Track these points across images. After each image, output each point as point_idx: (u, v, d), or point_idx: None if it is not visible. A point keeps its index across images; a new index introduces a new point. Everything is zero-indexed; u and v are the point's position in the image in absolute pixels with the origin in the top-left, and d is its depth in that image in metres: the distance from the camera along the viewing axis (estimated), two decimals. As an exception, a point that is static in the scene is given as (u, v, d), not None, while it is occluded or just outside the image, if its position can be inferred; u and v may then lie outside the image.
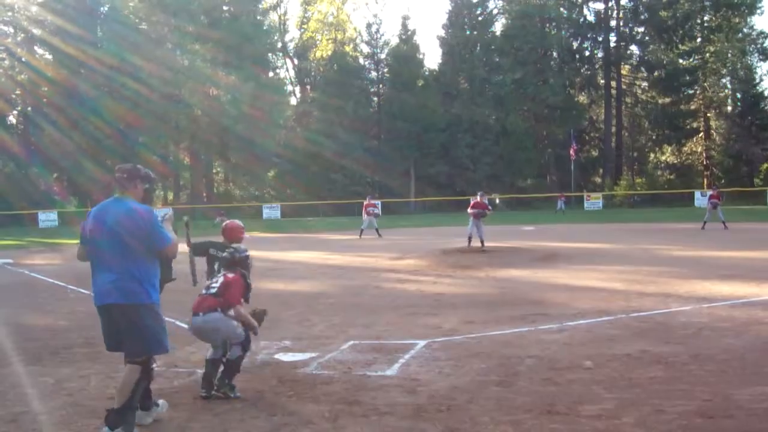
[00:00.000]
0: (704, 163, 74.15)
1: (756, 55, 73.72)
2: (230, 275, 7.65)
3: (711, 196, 34.20)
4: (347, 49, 79.63)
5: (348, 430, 6.16)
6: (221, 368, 7.42)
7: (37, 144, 64.92)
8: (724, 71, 73.80)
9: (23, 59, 67.52)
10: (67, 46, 60.83)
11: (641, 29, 78.76)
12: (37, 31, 67.47)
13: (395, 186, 70.97)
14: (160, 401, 6.68)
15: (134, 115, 61.96)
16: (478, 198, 25.57)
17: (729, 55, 70.91)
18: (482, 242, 24.15)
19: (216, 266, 8.84)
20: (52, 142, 60.90)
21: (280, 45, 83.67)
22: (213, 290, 7.46)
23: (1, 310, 14.08)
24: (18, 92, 68.79)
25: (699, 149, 75.64)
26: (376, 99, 78.15)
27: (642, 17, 77.12)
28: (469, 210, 24.96)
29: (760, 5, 72.24)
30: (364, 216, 35.47)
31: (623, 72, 79.94)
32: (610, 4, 78.04)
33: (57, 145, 59.74)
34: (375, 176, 73.35)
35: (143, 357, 6.10)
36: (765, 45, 72.96)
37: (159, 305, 6.23)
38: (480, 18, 77.25)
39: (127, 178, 6.28)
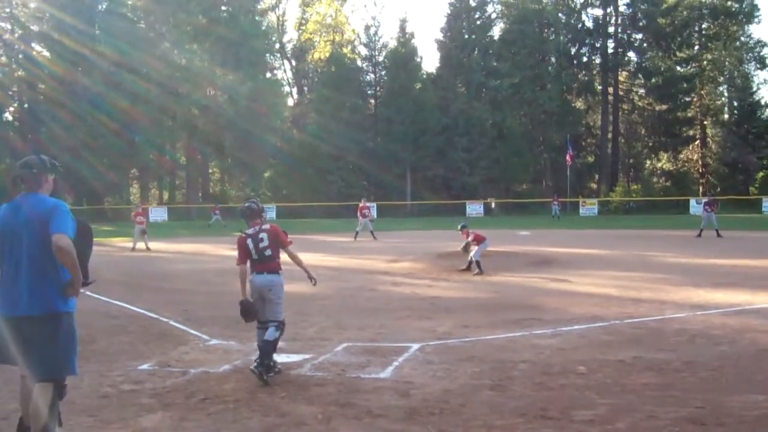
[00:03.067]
0: (700, 170, 74.21)
1: (753, 63, 73.80)
2: (268, 227, 8.13)
3: (706, 203, 34.16)
4: (345, 51, 79.48)
5: (341, 432, 6.17)
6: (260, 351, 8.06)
7: (34, 140, 64.78)
8: (721, 79, 73.92)
9: (21, 55, 67.44)
10: (65, 42, 60.73)
11: (639, 36, 78.69)
12: (35, 27, 67.46)
13: (391, 188, 70.94)
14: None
15: (132, 112, 61.85)
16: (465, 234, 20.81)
17: (726, 63, 71.00)
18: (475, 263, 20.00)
19: (251, 243, 8.27)
20: (50, 137, 60.75)
21: (278, 46, 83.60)
22: (268, 253, 8.11)
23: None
24: (16, 88, 68.72)
25: (695, 157, 75.68)
26: (373, 101, 78.09)
27: (640, 24, 77.07)
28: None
29: (757, 14, 72.25)
30: (359, 218, 35.57)
31: (620, 78, 79.86)
32: (608, 11, 77.98)
33: (55, 141, 59.58)
34: (371, 178, 73.33)
35: (56, 376, 5.47)
36: (762, 53, 73.02)
37: (74, 315, 5.61)
38: (478, 22, 77.14)
39: (37, 173, 5.62)
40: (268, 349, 7.95)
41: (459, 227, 21.23)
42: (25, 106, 69.02)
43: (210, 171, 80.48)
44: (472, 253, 19.98)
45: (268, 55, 79.08)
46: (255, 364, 7.87)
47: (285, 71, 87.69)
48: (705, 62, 71.64)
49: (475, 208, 64.47)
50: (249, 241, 8.27)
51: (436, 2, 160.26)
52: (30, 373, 5.49)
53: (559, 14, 78.14)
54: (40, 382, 5.40)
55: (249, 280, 8.34)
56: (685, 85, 74.00)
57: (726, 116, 75.66)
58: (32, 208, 5.46)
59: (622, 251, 25.99)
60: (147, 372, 8.61)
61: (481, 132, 70.96)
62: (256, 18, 75.62)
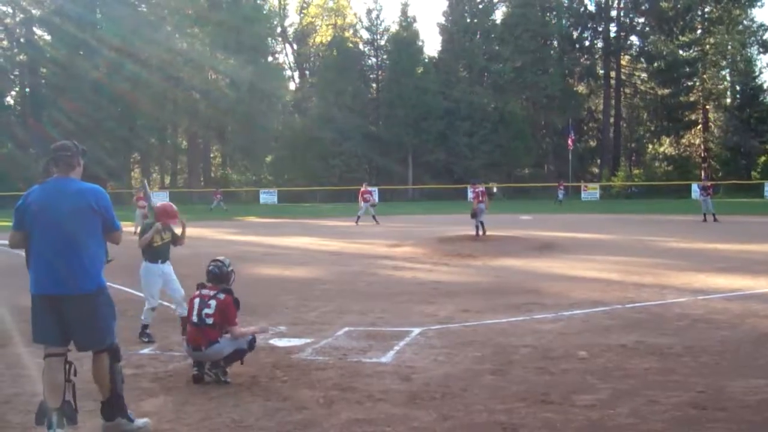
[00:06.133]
0: (702, 155, 74.12)
1: (756, 47, 73.65)
2: (221, 297, 7.41)
3: (704, 187, 34.01)
4: (347, 35, 79.36)
5: (342, 416, 6.17)
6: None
7: (35, 125, 64.78)
8: (723, 63, 73.72)
9: (23, 39, 67.33)
10: (66, 27, 60.65)
11: (642, 20, 78.56)
12: (36, 11, 67.33)
13: (393, 173, 71.00)
14: (142, 420, 6.00)
15: (133, 97, 61.84)
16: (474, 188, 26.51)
17: (729, 47, 70.82)
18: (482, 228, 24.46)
19: (197, 303, 7.58)
20: (51, 122, 60.77)
21: (279, 30, 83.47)
22: (209, 321, 7.30)
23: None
24: (17, 72, 68.65)
25: (697, 141, 75.60)
26: (375, 85, 78.12)
27: (643, 8, 76.91)
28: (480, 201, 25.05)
29: (760, -3, 72.15)
30: (361, 203, 35.60)
31: (623, 62, 79.80)
32: (611, -6, 77.97)
33: (56, 125, 59.60)
34: (373, 163, 73.38)
35: (105, 346, 5.77)
36: (765, 37, 72.86)
37: (107, 289, 5.85)
38: (480, 5, 77.02)
39: (72, 155, 5.77)
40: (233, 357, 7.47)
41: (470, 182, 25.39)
42: (27, 90, 69.05)
43: (211, 155, 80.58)
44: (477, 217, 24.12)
45: (269, 39, 79.05)
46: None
47: (286, 55, 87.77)
48: (707, 46, 71.44)
49: (476, 193, 64.31)
50: (197, 300, 7.53)
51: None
52: (76, 346, 5.78)
53: (562, -3, 78.00)
54: (96, 354, 5.77)
55: (184, 346, 7.65)
56: (687, 69, 73.83)
57: (728, 100, 75.55)
58: (88, 193, 5.73)
59: (623, 236, 25.98)
60: (148, 356, 8.62)
61: (482, 116, 71.00)
62: (258, 2, 75.47)
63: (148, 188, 8.89)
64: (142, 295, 11.18)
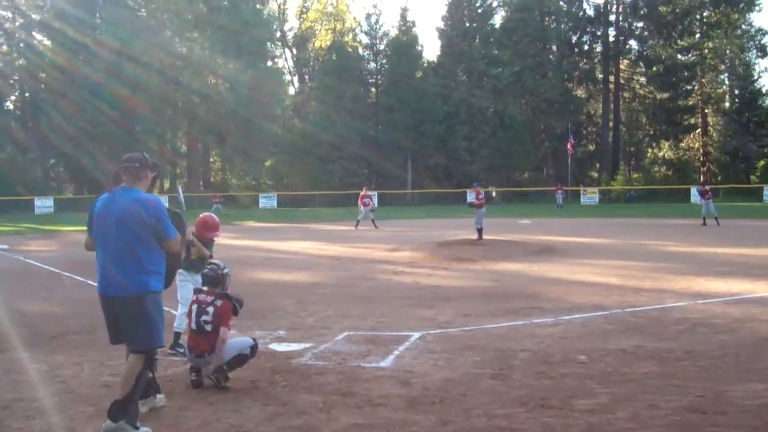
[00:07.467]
0: (701, 159, 74.16)
1: (754, 51, 73.82)
2: (219, 303, 7.46)
3: (703, 192, 33.99)
4: (346, 39, 79.47)
5: (341, 421, 6.17)
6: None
7: (35, 129, 64.82)
8: (722, 67, 73.93)
9: (22, 44, 67.31)
10: (66, 31, 60.61)
11: (640, 24, 78.54)
12: (36, 16, 67.33)
13: (392, 177, 71.01)
14: (159, 395, 6.58)
15: (133, 101, 61.79)
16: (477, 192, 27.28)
17: (727, 51, 70.97)
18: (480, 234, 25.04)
19: (195, 309, 7.63)
20: (51, 127, 60.83)
21: (279, 34, 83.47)
22: (208, 328, 7.37)
23: (-5, 296, 14.05)
24: (17, 77, 68.61)
25: (696, 145, 75.63)
26: (374, 90, 78.07)
27: (641, 12, 76.87)
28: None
29: (758, 2, 72.14)
30: (360, 207, 35.61)
31: (621, 67, 79.77)
32: (609, -1, 78.06)
33: (56, 130, 59.67)
34: (372, 167, 73.39)
35: (146, 348, 6.06)
36: (763, 42, 73.02)
37: (161, 295, 6.21)
38: (479, 10, 76.98)
39: (139, 167, 6.25)
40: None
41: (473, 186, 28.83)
42: (26, 95, 69.06)
43: (211, 160, 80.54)
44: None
45: (269, 43, 78.99)
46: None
47: (286, 60, 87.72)
48: (706, 50, 71.62)
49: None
50: (194, 307, 7.57)
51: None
52: (127, 344, 6.21)
53: (561, 2, 78.03)
54: (134, 353, 6.07)
55: (186, 353, 7.76)
56: (686, 73, 73.99)
57: (727, 104, 75.64)
58: (137, 202, 6.03)
59: (623, 240, 25.97)
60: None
61: (482, 120, 71.08)
62: (257, 6, 75.49)
63: (182, 194, 8.81)
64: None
